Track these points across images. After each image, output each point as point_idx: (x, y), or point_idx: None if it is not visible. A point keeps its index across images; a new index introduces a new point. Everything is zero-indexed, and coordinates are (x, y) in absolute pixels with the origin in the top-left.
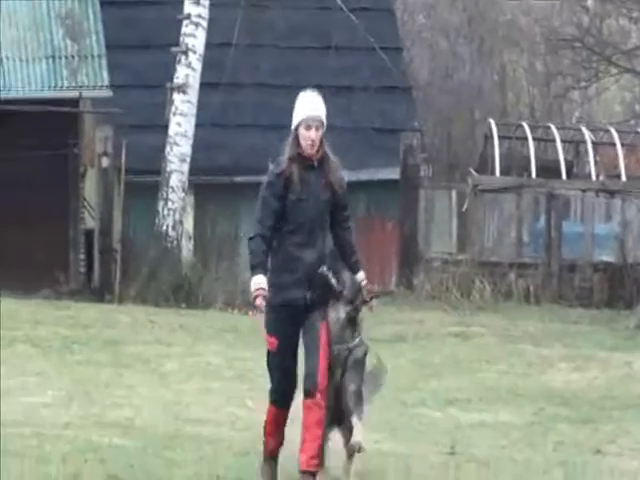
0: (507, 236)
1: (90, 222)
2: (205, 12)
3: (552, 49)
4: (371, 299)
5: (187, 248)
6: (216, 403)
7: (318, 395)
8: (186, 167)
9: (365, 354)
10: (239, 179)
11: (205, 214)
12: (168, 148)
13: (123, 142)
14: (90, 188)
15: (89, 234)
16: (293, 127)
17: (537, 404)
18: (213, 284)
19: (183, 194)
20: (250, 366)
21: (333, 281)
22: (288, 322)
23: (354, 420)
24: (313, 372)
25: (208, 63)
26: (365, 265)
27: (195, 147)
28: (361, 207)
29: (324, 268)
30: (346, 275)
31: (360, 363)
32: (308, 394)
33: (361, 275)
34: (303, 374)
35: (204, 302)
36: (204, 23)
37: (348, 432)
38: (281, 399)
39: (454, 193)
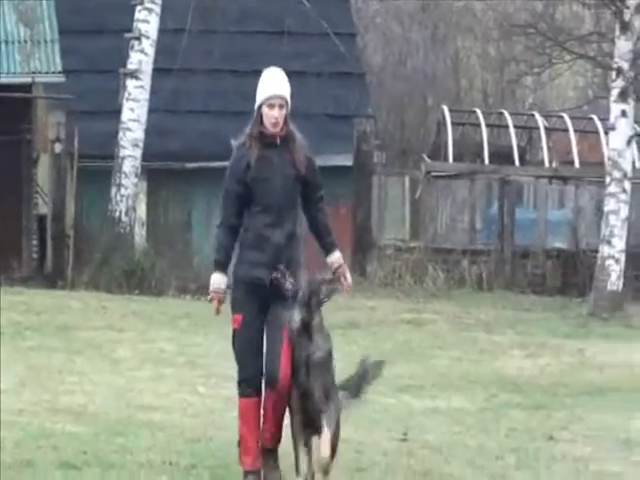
0: (460, 223)
1: (43, 208)
2: None
3: (505, 35)
4: (329, 296)
5: (140, 234)
6: (168, 389)
7: (282, 390)
8: (139, 153)
9: (327, 354)
10: (191, 165)
11: (158, 200)
12: (121, 134)
13: (76, 128)
14: (43, 174)
15: (42, 220)
16: (256, 106)
17: (490, 391)
18: (166, 270)
19: (136, 180)
20: (202, 352)
21: (287, 285)
22: (253, 300)
23: (323, 433)
24: (276, 362)
25: (161, 49)
26: (317, 252)
27: (148, 133)
28: None
29: (278, 273)
30: (304, 276)
31: (321, 368)
32: (270, 385)
33: (336, 255)
34: (265, 365)
35: (157, 288)
36: (157, 9)
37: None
38: (251, 384)
39: (407, 179)
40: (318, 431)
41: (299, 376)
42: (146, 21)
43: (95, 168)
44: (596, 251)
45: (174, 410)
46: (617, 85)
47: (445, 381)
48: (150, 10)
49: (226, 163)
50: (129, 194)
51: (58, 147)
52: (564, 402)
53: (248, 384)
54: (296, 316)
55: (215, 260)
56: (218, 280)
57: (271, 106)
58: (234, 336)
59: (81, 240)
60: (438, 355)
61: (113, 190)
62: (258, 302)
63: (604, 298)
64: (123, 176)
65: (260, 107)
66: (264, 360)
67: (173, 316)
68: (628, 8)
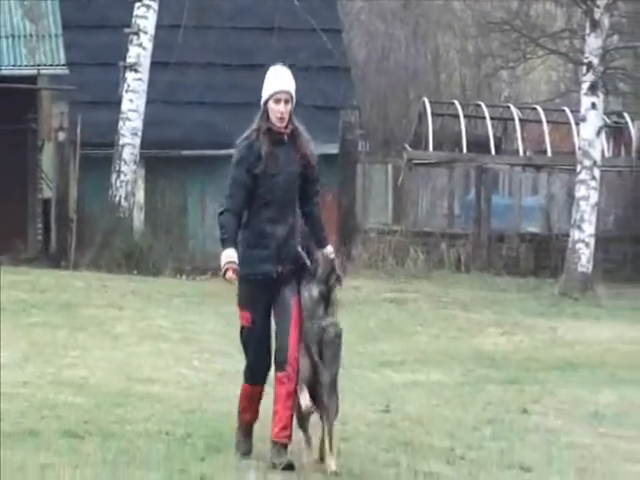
0: (439, 208)
1: (47, 193)
2: None
3: (482, 32)
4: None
5: (138, 218)
6: (165, 364)
7: (289, 368)
8: (138, 141)
9: (338, 335)
10: (187, 153)
11: (155, 186)
12: (121, 123)
13: (78, 117)
14: (47, 161)
15: (46, 204)
16: (263, 101)
17: (467, 366)
18: (163, 252)
19: (135, 167)
20: (197, 329)
21: (307, 260)
22: (260, 296)
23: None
24: (284, 346)
25: (158, 43)
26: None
27: (146, 122)
28: None
29: (299, 246)
30: (319, 254)
31: (333, 344)
32: (279, 367)
33: (329, 249)
34: (275, 348)
35: (154, 269)
36: (155, 5)
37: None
38: (255, 376)
39: (390, 167)
40: (320, 405)
41: (311, 350)
42: (144, 17)
43: (96, 155)
44: (567, 235)
45: (170, 383)
46: (587, 79)
47: (425, 357)
48: (148, 7)
49: (220, 151)
50: (128, 180)
51: (61, 135)
52: (537, 377)
53: (254, 375)
54: (314, 290)
55: (223, 240)
56: (229, 254)
57: (277, 101)
58: (242, 331)
59: (83, 223)
60: (418, 332)
61: (113, 176)
62: (266, 298)
63: (575, 279)
64: (123, 163)
65: (266, 102)
66: (275, 342)
67: (169, 295)
68: (598, 7)
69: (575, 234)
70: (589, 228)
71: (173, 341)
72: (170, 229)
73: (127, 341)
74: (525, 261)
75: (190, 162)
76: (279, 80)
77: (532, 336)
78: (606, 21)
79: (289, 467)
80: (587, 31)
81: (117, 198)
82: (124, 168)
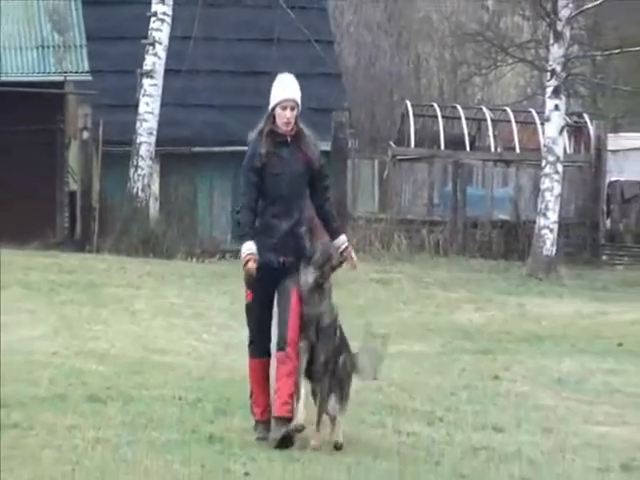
0: (420, 198)
1: (73, 186)
2: (169, 10)
3: (458, 42)
4: (340, 264)
5: (154, 207)
6: (177, 336)
7: (289, 349)
8: (153, 139)
9: (334, 320)
10: (197, 149)
11: (169, 179)
12: (138, 124)
13: (100, 118)
14: (73, 157)
15: (72, 195)
16: (270, 107)
17: (445, 338)
18: (175, 238)
19: (150, 162)
20: (206, 306)
21: (307, 243)
22: (263, 279)
23: (301, 400)
24: (284, 328)
25: (171, 53)
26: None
27: (160, 123)
28: None
29: (303, 229)
30: (319, 243)
31: (328, 330)
32: (280, 347)
33: (343, 238)
34: (277, 333)
35: (168, 252)
36: (168, 19)
37: (324, 396)
38: (259, 348)
39: (376, 162)
40: (315, 380)
41: (309, 331)
42: (159, 30)
43: (116, 152)
44: (533, 222)
45: (182, 353)
46: (551, 84)
47: (408, 330)
48: (162, 20)
49: (226, 148)
50: (145, 174)
51: (86, 135)
52: (507, 347)
53: (257, 348)
54: (310, 276)
55: (242, 234)
56: (249, 246)
57: (284, 108)
58: (247, 307)
59: (105, 212)
60: (402, 309)
61: (131, 171)
62: (267, 281)
63: (540, 261)
64: (140, 159)
65: (274, 108)
66: (276, 326)
67: (181, 275)
68: (560, 20)
69: (540, 221)
70: (553, 216)
71: (184, 316)
72: (182, 217)
73: (144, 316)
74: (496, 245)
75: (199, 158)
76: (286, 89)
77: (502, 311)
78: (567, 33)
79: (286, 439)
80: (551, 42)
81: (135, 190)
82: (141, 163)
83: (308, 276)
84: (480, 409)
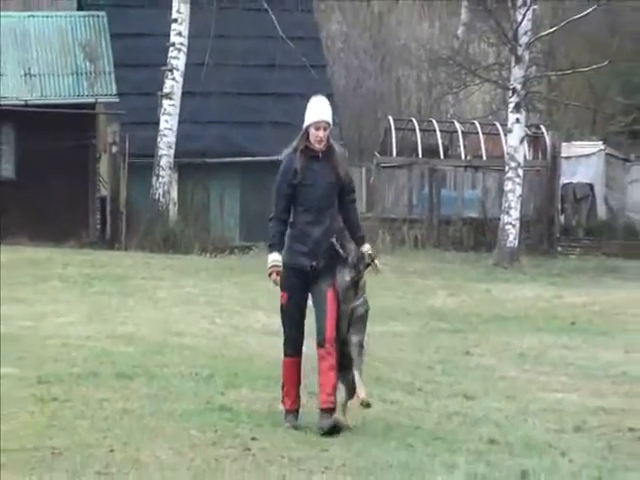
0: (401, 199)
1: (103, 192)
2: (185, 41)
3: (433, 65)
4: (372, 261)
5: (173, 210)
6: (193, 321)
7: (328, 345)
8: (172, 152)
9: (366, 311)
10: (210, 160)
11: (186, 186)
12: (159, 138)
13: (127, 135)
14: (103, 167)
15: (103, 200)
16: (305, 125)
17: (423, 320)
18: (192, 236)
19: (170, 172)
20: (218, 294)
21: (340, 250)
22: (296, 282)
23: (356, 377)
24: (322, 328)
25: (187, 77)
26: None
27: (178, 137)
28: None
29: (334, 239)
30: (351, 246)
31: (362, 319)
32: (320, 345)
33: (367, 246)
34: (316, 331)
35: (185, 249)
36: (184, 49)
37: (350, 382)
38: (292, 347)
39: (364, 169)
40: (342, 369)
41: (342, 325)
42: (177, 58)
43: (141, 163)
44: (498, 219)
45: (198, 335)
46: (512, 100)
47: (390, 313)
48: (179, 50)
49: (235, 159)
50: (165, 182)
51: (114, 148)
52: (477, 327)
53: (291, 347)
54: (347, 275)
55: (271, 244)
56: (275, 258)
57: (317, 128)
58: (281, 309)
59: (131, 215)
60: (385, 295)
61: (153, 179)
62: (301, 283)
63: (504, 253)
64: (161, 169)
65: (308, 127)
66: (316, 324)
67: (197, 268)
68: (520, 46)
69: (504, 218)
70: (515, 213)
71: (200, 304)
72: (197, 219)
73: (165, 304)
74: (466, 239)
75: (212, 167)
76: (320, 111)
77: (472, 296)
78: (526, 56)
79: (335, 428)
80: (512, 64)
81: (157, 196)
82: (162, 173)
83: (345, 275)
84: (453, 380)
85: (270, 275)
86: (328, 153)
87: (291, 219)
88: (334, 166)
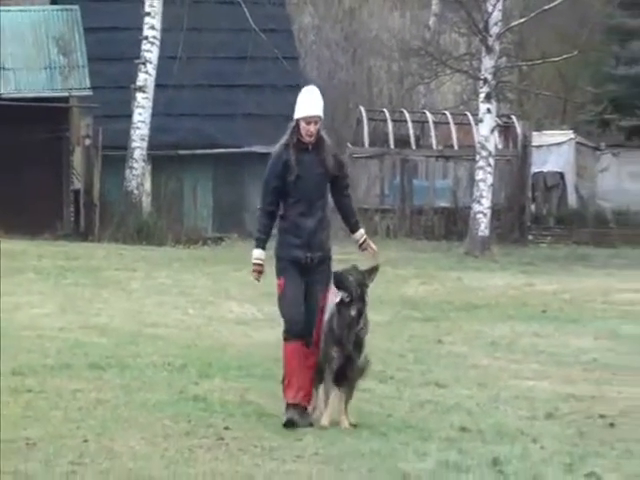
0: (373, 190)
1: (77, 184)
2: (158, 34)
3: (404, 56)
4: (373, 278)
5: (146, 202)
6: (166, 311)
7: (313, 346)
8: (145, 144)
9: (366, 333)
10: (182, 152)
11: (159, 178)
12: (132, 131)
13: (100, 127)
14: (77, 160)
15: (77, 193)
16: (296, 117)
17: (395, 308)
18: (165, 228)
19: (143, 164)
20: (190, 285)
21: (344, 296)
22: (291, 269)
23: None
24: (311, 330)
25: (160, 70)
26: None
27: (151, 130)
28: None
29: (326, 227)
30: (350, 278)
31: (363, 342)
32: (307, 345)
33: (361, 232)
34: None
35: (158, 240)
36: (157, 42)
37: (345, 395)
38: (293, 331)
39: None
40: (341, 384)
41: (348, 345)
42: (150, 51)
43: (114, 156)
44: (470, 208)
45: (171, 326)
46: (483, 91)
47: None
48: (152, 43)
49: (207, 151)
50: (138, 174)
51: (87, 141)
52: (448, 315)
53: (292, 333)
54: (352, 310)
55: (257, 238)
56: (258, 255)
57: (308, 122)
58: (279, 297)
59: (105, 207)
60: None
61: (127, 171)
62: (297, 271)
63: (476, 242)
64: (134, 161)
65: (299, 120)
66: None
67: (170, 259)
68: (491, 36)
69: (476, 207)
70: (486, 202)
71: (173, 294)
72: (170, 210)
73: (138, 295)
74: (438, 228)
75: (185, 160)
76: (310, 105)
77: (444, 285)
78: (497, 47)
79: (292, 424)
80: (483, 54)
81: (130, 188)
82: (135, 165)
83: (351, 310)
84: (425, 368)
85: (252, 272)
86: (318, 144)
87: (281, 212)
88: (323, 157)
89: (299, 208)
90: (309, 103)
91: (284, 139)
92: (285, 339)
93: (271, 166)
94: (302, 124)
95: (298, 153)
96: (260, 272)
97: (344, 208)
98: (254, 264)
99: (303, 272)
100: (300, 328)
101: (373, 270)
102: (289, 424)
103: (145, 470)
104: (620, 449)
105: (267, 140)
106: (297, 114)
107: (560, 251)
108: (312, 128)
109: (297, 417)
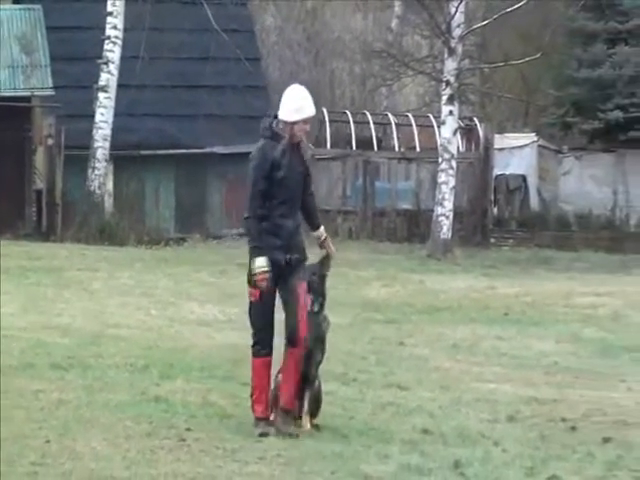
0: (335, 191)
1: (39, 184)
2: (120, 34)
3: (366, 57)
4: (328, 268)
5: (108, 202)
6: (129, 312)
7: (298, 344)
8: (107, 144)
9: (328, 327)
10: (144, 152)
11: (121, 178)
12: (94, 131)
13: (62, 127)
14: (39, 160)
15: (39, 193)
16: (292, 119)
17: (356, 310)
18: (127, 228)
19: (105, 164)
20: (153, 286)
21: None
22: (270, 279)
23: (307, 396)
24: (294, 326)
25: (122, 70)
26: (234, 214)
27: (113, 130)
28: (231, 172)
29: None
30: (309, 269)
31: (325, 336)
32: (291, 343)
33: (322, 230)
34: (285, 328)
35: (121, 241)
36: (120, 42)
37: (308, 396)
38: (265, 347)
39: None
40: (308, 379)
41: (310, 342)
42: (112, 51)
43: (76, 156)
44: (432, 210)
45: (133, 326)
46: (446, 93)
47: None
48: (115, 43)
49: (169, 151)
50: (101, 174)
51: (50, 141)
52: (410, 318)
53: (262, 346)
54: (316, 306)
55: (256, 247)
56: (262, 263)
57: (305, 122)
58: (251, 307)
59: (67, 207)
60: None
61: (89, 171)
62: (273, 279)
63: (438, 244)
64: (96, 161)
65: (297, 121)
66: (285, 322)
67: (132, 260)
68: (453, 38)
69: (438, 209)
70: (448, 205)
71: (135, 295)
72: (132, 210)
73: (100, 295)
74: (400, 231)
75: (147, 159)
76: (310, 105)
77: (406, 287)
78: (460, 49)
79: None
80: (445, 56)
81: (92, 188)
82: (97, 165)
83: (314, 305)
84: (387, 370)
85: (259, 282)
86: (298, 144)
87: (262, 212)
88: (302, 155)
89: (282, 209)
90: (308, 103)
91: (283, 139)
92: (254, 354)
93: (257, 168)
94: (300, 124)
95: (287, 153)
96: (267, 280)
97: (308, 206)
98: (261, 272)
99: (279, 275)
100: (271, 345)
101: (325, 260)
102: (263, 435)
103: (107, 471)
104: (582, 452)
105: (228, 141)
106: (297, 115)
107: (522, 254)
108: (308, 127)
109: (268, 429)
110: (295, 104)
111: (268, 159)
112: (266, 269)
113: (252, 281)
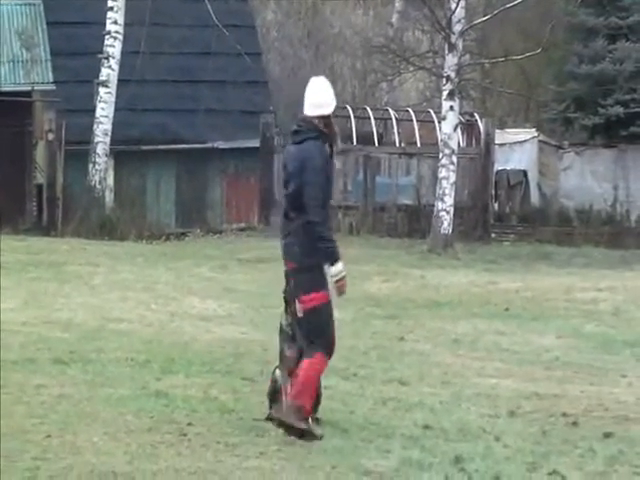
0: (336, 186)
1: (40, 179)
2: (121, 29)
3: (367, 53)
4: None
5: (109, 197)
6: (130, 307)
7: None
8: (108, 139)
9: None
10: (145, 147)
11: (122, 173)
12: (95, 126)
13: (63, 122)
14: (40, 155)
15: (39, 187)
16: (330, 112)
17: (358, 306)
18: (128, 223)
19: (106, 159)
20: (154, 281)
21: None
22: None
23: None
24: (333, 335)
25: (123, 65)
26: (235, 209)
27: (114, 125)
28: (231, 167)
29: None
30: None
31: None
32: (330, 354)
33: None
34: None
35: (121, 235)
36: (120, 37)
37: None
38: (333, 349)
39: None
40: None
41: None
42: (113, 46)
43: (77, 150)
44: (433, 205)
45: (134, 321)
46: (446, 88)
47: None
48: (115, 38)
49: (170, 146)
50: (101, 169)
51: (51, 136)
52: (411, 313)
53: (332, 348)
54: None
55: (338, 252)
56: (342, 267)
57: (335, 116)
58: (321, 310)
59: (67, 201)
60: None
61: (90, 166)
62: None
63: (439, 239)
64: (97, 156)
65: (330, 114)
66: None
67: (133, 255)
68: (454, 34)
69: (439, 205)
70: (449, 200)
71: (136, 290)
72: (133, 205)
73: (101, 290)
74: (401, 226)
75: (148, 154)
76: (334, 97)
77: (407, 282)
78: (460, 44)
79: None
80: (446, 52)
81: (93, 182)
82: (98, 160)
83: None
84: (388, 366)
85: (343, 287)
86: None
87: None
88: (332, 154)
89: (325, 214)
90: (333, 95)
91: (319, 140)
92: (327, 355)
93: (320, 168)
94: (332, 118)
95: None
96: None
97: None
98: (344, 277)
99: None
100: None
101: None
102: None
103: (108, 465)
104: (583, 447)
105: (228, 136)
106: (330, 108)
107: (523, 249)
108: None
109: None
110: (326, 98)
111: (325, 157)
112: (344, 273)
113: (315, 285)
